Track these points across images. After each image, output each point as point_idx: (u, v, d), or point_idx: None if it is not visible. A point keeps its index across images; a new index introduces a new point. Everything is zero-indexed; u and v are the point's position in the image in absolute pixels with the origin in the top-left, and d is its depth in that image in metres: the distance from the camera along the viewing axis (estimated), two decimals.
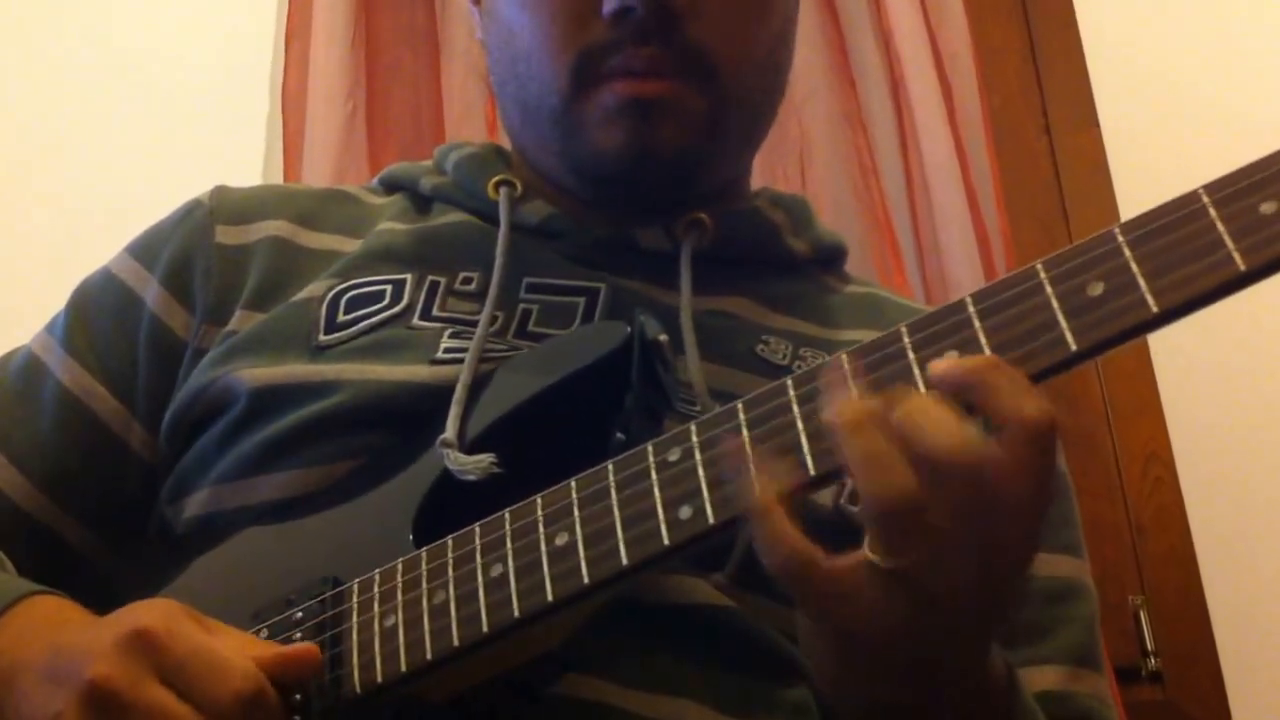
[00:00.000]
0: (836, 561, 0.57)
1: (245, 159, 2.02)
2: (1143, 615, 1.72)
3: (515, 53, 0.90)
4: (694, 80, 0.86)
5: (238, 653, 0.64)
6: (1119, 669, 1.60)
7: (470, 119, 2.02)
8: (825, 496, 0.78)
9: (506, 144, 1.01)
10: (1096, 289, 0.55)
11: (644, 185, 0.89)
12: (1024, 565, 0.58)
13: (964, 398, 0.55)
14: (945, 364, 0.57)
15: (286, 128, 2.02)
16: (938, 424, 0.54)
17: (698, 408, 0.77)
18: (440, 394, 0.79)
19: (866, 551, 0.56)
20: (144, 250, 0.95)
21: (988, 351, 0.57)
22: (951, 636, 0.59)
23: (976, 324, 0.58)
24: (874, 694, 0.63)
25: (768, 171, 1.92)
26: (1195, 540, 1.73)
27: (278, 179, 1.98)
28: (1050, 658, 0.84)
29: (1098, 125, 1.94)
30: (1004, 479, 0.54)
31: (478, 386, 0.79)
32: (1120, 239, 0.56)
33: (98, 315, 0.93)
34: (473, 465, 0.73)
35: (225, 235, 0.93)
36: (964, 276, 1.79)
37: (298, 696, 0.65)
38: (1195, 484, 1.76)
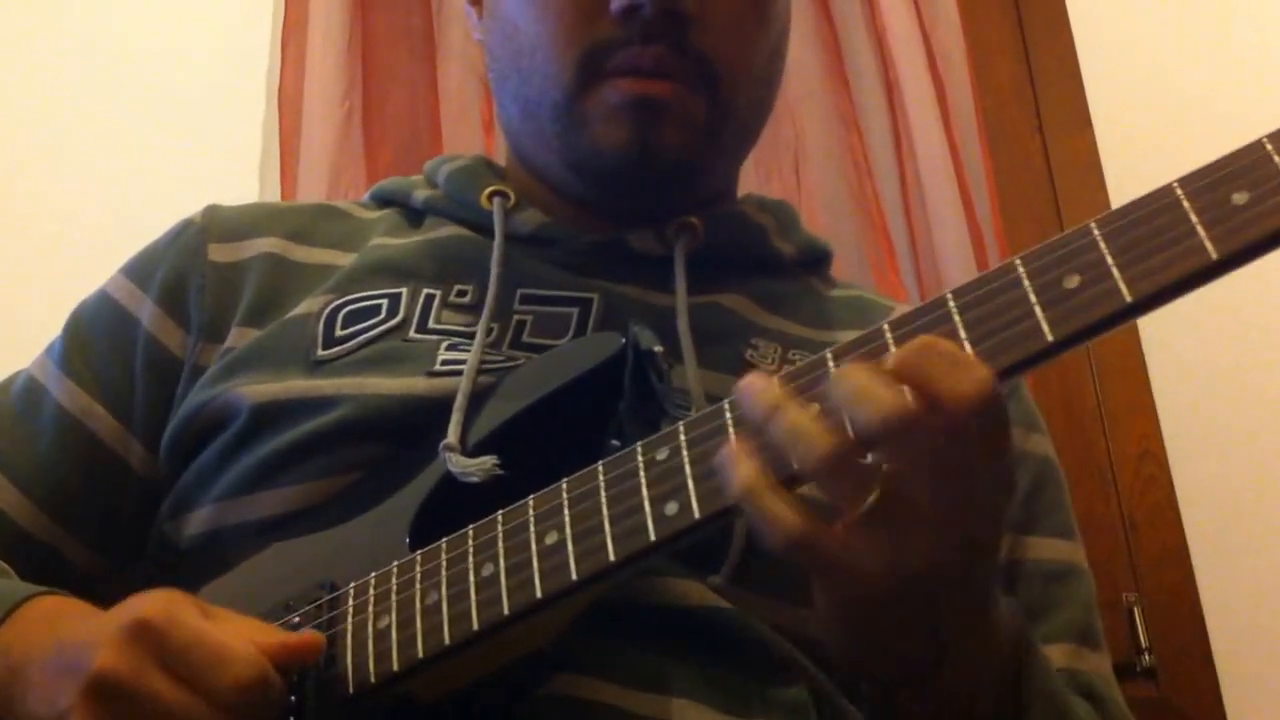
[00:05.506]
0: (832, 526, 0.58)
1: (241, 159, 2.02)
2: (1136, 612, 1.72)
3: (519, 48, 0.90)
4: (696, 86, 0.87)
5: (240, 639, 0.64)
6: (1112, 666, 1.61)
7: (466, 120, 2.02)
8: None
9: (503, 145, 1.02)
10: (1073, 281, 0.56)
11: (641, 186, 0.89)
12: (998, 523, 0.61)
13: (908, 383, 0.57)
14: (890, 356, 0.58)
15: (283, 128, 2.02)
16: (860, 391, 0.56)
17: (692, 412, 0.77)
18: (438, 406, 0.80)
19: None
20: (138, 270, 0.96)
21: (968, 346, 0.58)
22: (942, 586, 0.60)
23: (956, 318, 0.59)
24: (891, 651, 0.65)
25: (763, 172, 1.93)
26: (1188, 537, 1.73)
27: (274, 179, 1.99)
28: (1053, 636, 0.85)
29: (1091, 125, 1.94)
30: (955, 444, 0.56)
31: (476, 397, 0.80)
32: (1096, 232, 0.57)
33: (94, 336, 0.94)
34: (475, 467, 0.74)
35: (218, 253, 0.94)
36: (958, 276, 1.79)
37: (293, 698, 0.66)
38: (1188, 481, 1.76)
